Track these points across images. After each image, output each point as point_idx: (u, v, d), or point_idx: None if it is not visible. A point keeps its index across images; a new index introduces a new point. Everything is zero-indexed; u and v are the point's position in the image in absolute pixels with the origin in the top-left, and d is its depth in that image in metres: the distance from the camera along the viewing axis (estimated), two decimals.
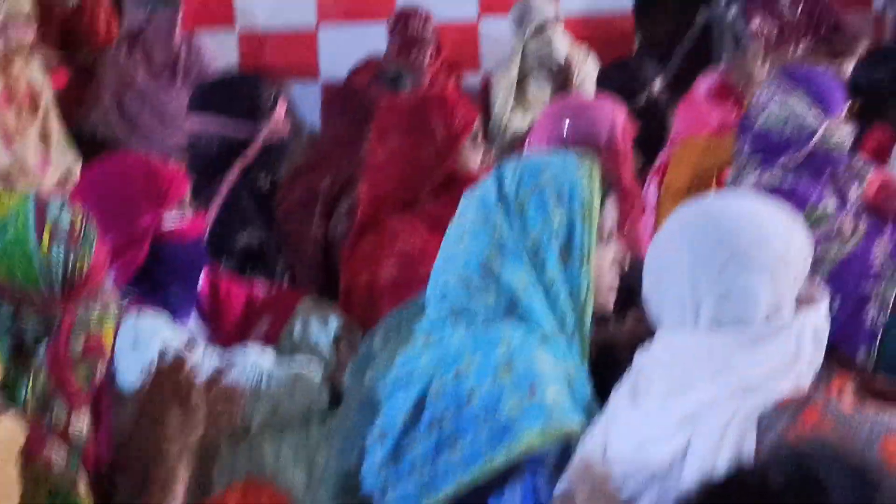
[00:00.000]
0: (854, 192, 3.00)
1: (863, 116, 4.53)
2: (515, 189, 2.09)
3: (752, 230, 1.77)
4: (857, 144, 4.29)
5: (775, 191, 2.91)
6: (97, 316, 2.04)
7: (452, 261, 2.12)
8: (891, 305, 2.81)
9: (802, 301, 1.81)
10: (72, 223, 2.07)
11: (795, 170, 2.97)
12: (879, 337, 2.80)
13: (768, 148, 2.99)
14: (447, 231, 2.18)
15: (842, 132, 3.02)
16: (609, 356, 2.21)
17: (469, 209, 2.14)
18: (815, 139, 2.97)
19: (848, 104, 3.05)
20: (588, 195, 2.08)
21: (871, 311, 2.81)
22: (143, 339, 2.13)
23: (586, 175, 2.10)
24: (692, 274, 1.77)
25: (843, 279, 2.82)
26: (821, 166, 2.98)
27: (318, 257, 3.60)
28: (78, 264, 2.05)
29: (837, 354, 2.78)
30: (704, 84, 3.77)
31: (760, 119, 3.02)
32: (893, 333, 2.72)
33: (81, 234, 2.07)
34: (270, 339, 2.72)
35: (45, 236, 2.04)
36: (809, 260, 1.83)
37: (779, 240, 1.78)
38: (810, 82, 3.02)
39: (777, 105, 3.00)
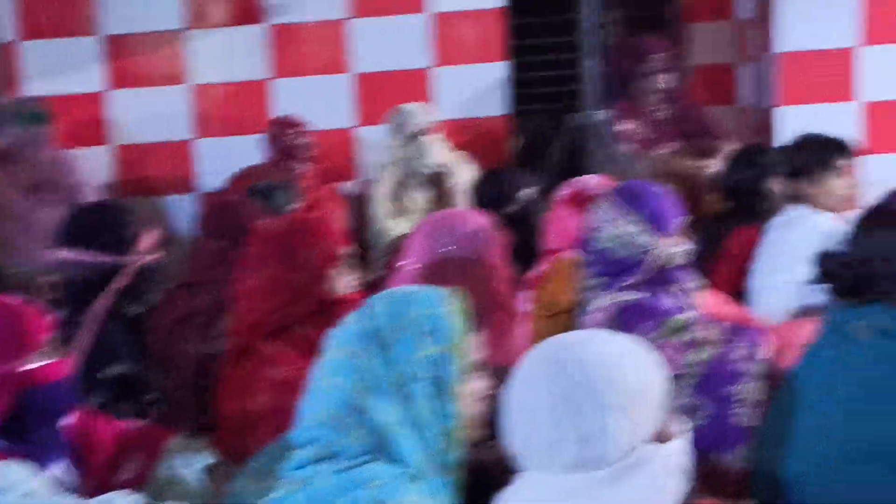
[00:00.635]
0: (687, 301, 3.05)
1: (731, 216, 4.67)
2: (383, 325, 2.10)
3: (606, 370, 1.79)
4: (723, 243, 4.41)
5: (630, 308, 2.95)
6: None
7: (320, 398, 2.11)
8: (757, 405, 2.85)
9: (663, 435, 1.84)
10: None
11: (641, 287, 3.01)
12: (751, 437, 2.83)
13: (609, 269, 3.03)
14: (314, 366, 2.17)
15: (676, 248, 3.05)
16: (482, 481, 2.21)
17: (336, 344, 2.14)
18: (650, 258, 3.01)
19: (681, 220, 3.09)
20: (455, 330, 2.10)
21: (740, 413, 2.86)
22: (2, 491, 2.08)
23: (453, 310, 2.12)
24: (550, 416, 1.78)
25: (709, 385, 2.87)
26: (662, 281, 3.02)
27: (194, 377, 3.57)
28: None
29: (712, 462, 2.82)
30: (562, 193, 3.83)
31: (597, 241, 3.05)
32: (762, 433, 2.75)
33: None
34: (140, 479, 2.67)
35: None
36: (667, 394, 1.85)
37: (634, 377, 1.80)
38: (642, 202, 3.05)
39: (611, 226, 3.04)
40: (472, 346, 2.14)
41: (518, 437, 1.83)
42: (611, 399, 1.77)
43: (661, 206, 3.05)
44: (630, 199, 3.04)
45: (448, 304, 2.12)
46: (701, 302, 3.08)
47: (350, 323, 2.15)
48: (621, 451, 1.77)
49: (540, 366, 1.85)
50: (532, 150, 6.38)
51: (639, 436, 1.79)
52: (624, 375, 1.80)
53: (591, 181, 3.79)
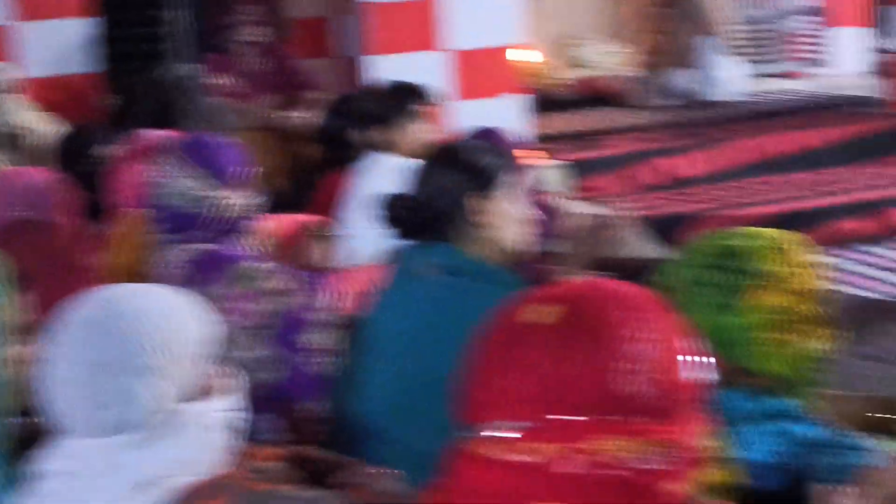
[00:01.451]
0: (253, 245, 3.03)
1: (323, 164, 4.72)
2: None
3: (136, 327, 1.70)
4: (315, 189, 4.44)
5: (200, 259, 2.90)
6: None
7: None
8: (333, 352, 2.86)
9: (207, 390, 1.77)
10: None
11: (210, 239, 2.96)
12: (329, 384, 2.83)
13: (177, 223, 2.97)
14: None
15: (241, 200, 3.02)
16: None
17: None
18: (215, 211, 2.96)
19: (247, 171, 3.06)
20: None
21: (318, 361, 2.86)
22: None
23: None
24: (76, 377, 1.69)
25: (285, 334, 2.85)
26: (231, 232, 2.99)
27: None
28: None
29: (294, 411, 2.82)
30: (126, 149, 3.71)
31: (162, 196, 2.99)
32: (339, 379, 2.77)
33: None
34: None
35: None
36: (208, 348, 1.78)
37: (168, 334, 1.72)
38: (203, 154, 3.00)
39: (172, 179, 2.98)
40: (14, 309, 2.03)
41: (51, 399, 1.72)
42: (138, 358, 1.68)
43: (223, 158, 3.01)
44: (191, 153, 2.99)
45: None
46: (274, 251, 3.07)
47: None
48: (151, 412, 1.69)
49: (67, 323, 1.74)
50: (126, 107, 6.20)
51: (173, 394, 1.72)
52: (156, 331, 1.70)
53: (155, 135, 3.68)
